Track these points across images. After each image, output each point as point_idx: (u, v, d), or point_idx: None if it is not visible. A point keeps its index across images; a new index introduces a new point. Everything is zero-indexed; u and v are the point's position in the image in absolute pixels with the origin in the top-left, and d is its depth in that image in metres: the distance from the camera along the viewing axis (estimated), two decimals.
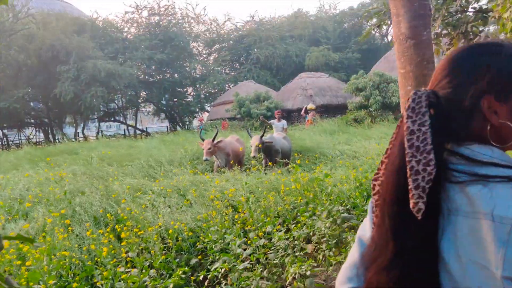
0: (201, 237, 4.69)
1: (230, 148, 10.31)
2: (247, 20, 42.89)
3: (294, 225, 5.09)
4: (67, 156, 12.74)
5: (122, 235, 4.38)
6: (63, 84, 27.12)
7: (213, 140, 9.92)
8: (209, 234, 4.58)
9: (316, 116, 20.65)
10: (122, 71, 28.72)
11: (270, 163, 9.80)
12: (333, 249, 4.80)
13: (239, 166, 10.41)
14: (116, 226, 4.75)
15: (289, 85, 30.20)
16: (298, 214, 5.37)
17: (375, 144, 11.50)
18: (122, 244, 4.33)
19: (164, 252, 4.48)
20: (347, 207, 5.80)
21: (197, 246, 4.61)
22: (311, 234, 4.95)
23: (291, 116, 27.01)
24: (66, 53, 27.60)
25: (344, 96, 25.51)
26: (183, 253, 4.54)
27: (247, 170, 8.93)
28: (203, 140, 10.09)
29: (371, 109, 19.37)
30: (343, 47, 39.91)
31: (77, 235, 4.66)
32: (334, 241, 4.87)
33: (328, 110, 26.47)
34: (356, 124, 18.01)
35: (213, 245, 4.46)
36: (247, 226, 5.14)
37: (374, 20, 6.20)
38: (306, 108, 21.08)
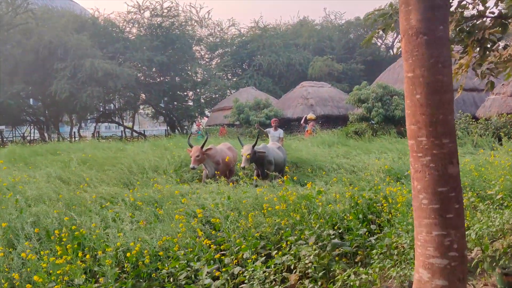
0: (165, 262, 4.02)
1: (220, 156, 9.66)
2: (251, 26, 42.32)
3: (277, 250, 4.42)
4: (51, 157, 12.09)
5: (63, 258, 3.70)
6: (59, 82, 26.51)
7: (202, 147, 9.28)
8: (175, 260, 3.91)
9: (316, 126, 20.01)
10: (120, 71, 28.12)
11: (255, 177, 9.13)
12: (319, 282, 4.12)
13: (229, 177, 9.76)
14: (68, 246, 4.06)
15: (290, 93, 29.61)
16: (283, 237, 4.71)
17: (375, 159, 10.84)
18: (68, 267, 3.66)
19: (119, 278, 3.81)
20: (340, 230, 5.14)
21: (161, 272, 3.93)
22: (295, 261, 4.28)
23: (291, 125, 26.37)
24: (64, 50, 27.05)
25: (345, 107, 24.88)
26: (141, 281, 3.86)
27: (236, 182, 8.26)
28: (191, 146, 9.44)
29: (372, 121, 18.71)
30: (347, 57, 39.33)
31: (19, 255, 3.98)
32: (321, 272, 4.20)
33: (328, 121, 25.83)
34: (357, 136, 17.35)
35: (178, 273, 3.79)
36: (223, 250, 4.47)
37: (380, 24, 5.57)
38: (306, 117, 20.49)
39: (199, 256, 4.10)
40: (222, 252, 4.40)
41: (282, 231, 4.78)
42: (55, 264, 3.65)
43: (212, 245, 4.35)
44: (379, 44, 42.07)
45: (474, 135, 13.70)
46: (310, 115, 20.75)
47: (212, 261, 4.07)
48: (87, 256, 3.95)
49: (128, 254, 4.00)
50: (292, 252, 4.33)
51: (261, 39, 39.10)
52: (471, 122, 14.83)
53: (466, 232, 4.41)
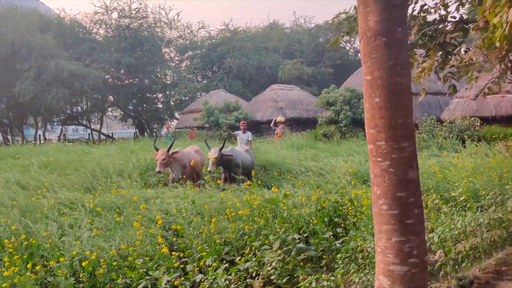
0: (123, 271, 3.85)
1: (187, 159, 9.49)
2: (222, 29, 42.17)
3: (241, 256, 4.31)
4: (12, 161, 11.62)
5: (10, 270, 3.48)
6: (22, 83, 25.66)
7: (169, 150, 9.09)
8: (133, 269, 3.75)
9: (285, 129, 20.03)
10: (87, 72, 27.46)
11: (219, 182, 9.00)
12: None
13: (196, 180, 9.60)
14: (15, 257, 3.83)
15: (260, 96, 29.64)
16: (247, 243, 4.61)
17: (343, 161, 10.90)
18: (17, 280, 3.44)
19: None
20: (306, 234, 5.08)
21: (118, 282, 3.76)
22: (259, 268, 4.18)
23: (261, 127, 26.36)
24: (28, 50, 26.18)
25: (314, 110, 25.05)
26: None
27: (202, 186, 8.11)
28: (157, 150, 9.23)
29: (341, 124, 18.89)
30: (316, 61, 39.69)
31: None
32: (286, 278, 4.12)
33: (298, 124, 25.95)
34: (325, 139, 17.47)
35: (136, 283, 3.63)
36: (185, 256, 4.33)
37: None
38: (275, 120, 20.47)
39: (159, 264, 3.95)
40: (184, 259, 4.27)
41: (247, 237, 4.68)
42: (3, 277, 3.44)
43: (173, 253, 4.21)
44: (347, 48, 42.66)
45: (439, 137, 13.97)
46: (280, 118, 20.75)
47: (173, 269, 3.92)
48: (38, 267, 3.74)
49: (84, 264, 3.82)
50: (256, 258, 4.24)
51: (231, 41, 39.04)
52: (436, 125, 15.13)
53: (430, 235, 4.43)
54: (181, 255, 4.35)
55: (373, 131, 2.39)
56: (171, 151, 9.13)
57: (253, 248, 4.46)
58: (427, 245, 4.33)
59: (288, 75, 34.96)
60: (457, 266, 4.00)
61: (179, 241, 4.45)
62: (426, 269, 2.39)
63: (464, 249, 4.20)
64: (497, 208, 5.62)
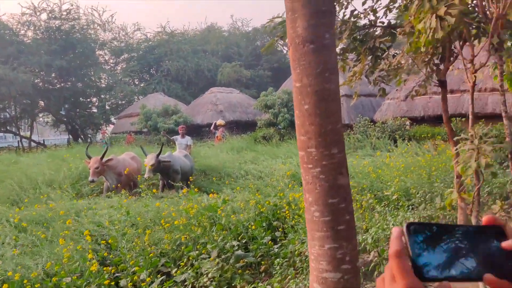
0: None
1: (122, 167, 9.14)
2: (158, 31, 41.32)
3: (177, 268, 4.18)
4: None
5: None
6: None
7: (102, 158, 8.72)
8: None
9: (225, 132, 19.99)
10: (14, 76, 25.88)
11: (154, 191, 8.75)
12: None
13: (133, 189, 9.28)
14: None
15: (200, 99, 29.37)
16: (185, 253, 4.48)
17: (281, 164, 11.00)
18: None
19: None
20: (244, 240, 5.03)
21: None
22: (194, 280, 4.07)
23: (201, 131, 26.11)
24: None
25: (254, 113, 25.18)
26: None
27: (139, 194, 7.84)
28: (89, 157, 8.82)
29: (279, 126, 19.12)
30: (255, 64, 39.99)
31: None
32: (225, 287, 4.05)
33: (238, 126, 25.97)
34: (265, 141, 17.60)
35: None
36: (119, 271, 4.13)
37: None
38: (215, 123, 20.36)
39: (89, 281, 3.73)
40: (118, 275, 4.07)
41: (184, 247, 4.55)
42: None
43: (106, 268, 4.00)
44: (284, 51, 43.37)
45: (372, 137, 14.50)
46: (220, 121, 20.67)
47: (104, 286, 3.72)
48: None
49: (4, 286, 3.53)
50: (193, 269, 4.13)
51: (169, 44, 38.37)
52: (369, 126, 15.68)
53: (364, 236, 4.53)
54: (114, 270, 4.15)
55: (304, 138, 2.38)
56: (105, 158, 8.77)
57: (190, 258, 4.35)
58: (362, 245, 4.43)
59: (227, 78, 34.96)
60: None
61: (110, 256, 4.24)
62: (358, 274, 2.41)
63: None
64: (426, 206, 5.88)
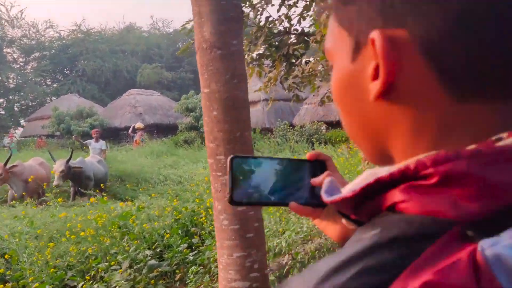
0: None
1: (29, 174, 8.51)
2: (73, 29, 39.19)
3: (85, 282, 3.94)
4: None
5: None
6: None
7: (6, 164, 8.07)
8: None
9: (144, 135, 19.39)
10: None
11: (59, 200, 8.27)
12: None
13: (42, 196, 8.67)
14: None
15: (117, 101, 28.24)
16: (94, 265, 4.24)
17: (202, 168, 10.90)
18: None
19: None
20: (159, 249, 4.88)
21: None
22: None
23: (119, 134, 25.13)
24: None
25: (175, 116, 24.73)
26: None
27: (46, 203, 7.34)
28: None
29: (201, 130, 18.97)
30: (176, 66, 39.38)
31: None
32: None
33: (158, 130, 25.35)
34: (186, 145, 17.38)
35: None
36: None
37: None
38: (134, 127, 19.69)
39: None
40: None
41: (93, 258, 4.31)
42: None
43: (7, 285, 3.67)
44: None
45: (292, 141, 14.88)
46: (138, 124, 20.04)
47: None
48: None
49: None
50: (103, 281, 3.92)
51: (84, 43, 36.57)
52: (288, 130, 16.08)
53: (279, 240, 4.59)
54: (14, 286, 3.82)
55: (212, 145, 2.33)
56: (9, 164, 8.13)
57: (100, 270, 4.12)
58: (276, 249, 4.48)
59: (147, 80, 34.04)
60: (304, 268, 4.20)
61: (8, 272, 3.89)
62: (267, 281, 2.40)
63: (310, 250, 4.44)
64: None
